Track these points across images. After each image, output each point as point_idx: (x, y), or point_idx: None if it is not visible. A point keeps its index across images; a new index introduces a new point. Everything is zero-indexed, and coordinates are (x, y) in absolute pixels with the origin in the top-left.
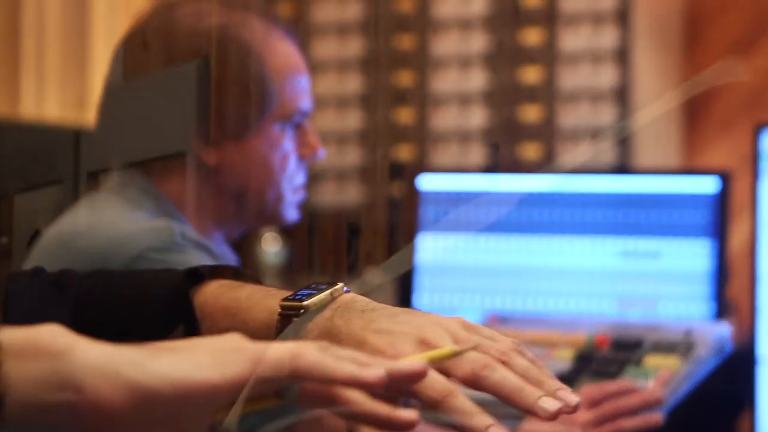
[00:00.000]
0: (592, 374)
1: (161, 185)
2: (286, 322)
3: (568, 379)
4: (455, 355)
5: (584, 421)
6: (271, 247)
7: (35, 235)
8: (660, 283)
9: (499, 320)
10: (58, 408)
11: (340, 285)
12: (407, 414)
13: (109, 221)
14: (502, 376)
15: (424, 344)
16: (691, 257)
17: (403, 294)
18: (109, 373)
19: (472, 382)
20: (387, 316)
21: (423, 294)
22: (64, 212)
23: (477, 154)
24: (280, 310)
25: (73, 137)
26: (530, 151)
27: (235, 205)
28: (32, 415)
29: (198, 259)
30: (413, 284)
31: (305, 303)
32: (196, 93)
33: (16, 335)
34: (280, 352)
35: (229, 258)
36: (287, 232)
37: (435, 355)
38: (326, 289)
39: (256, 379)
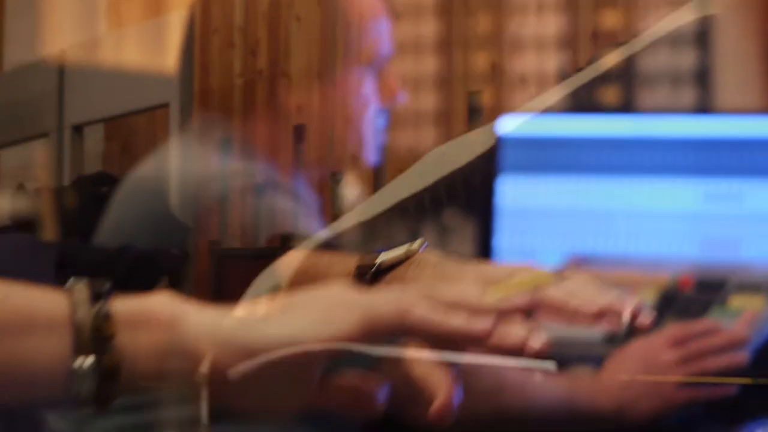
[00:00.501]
0: (675, 315)
1: (243, 129)
2: (361, 280)
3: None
4: (556, 278)
5: (669, 361)
6: (351, 190)
7: (19, 189)
8: (743, 225)
9: (581, 262)
10: (172, 376)
11: (418, 242)
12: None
13: (192, 164)
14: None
15: (487, 283)
16: None
17: (483, 237)
18: (222, 339)
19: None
20: (455, 267)
21: (503, 237)
22: (50, 165)
23: (556, 97)
24: (355, 268)
25: (57, 87)
26: (609, 94)
27: (316, 148)
28: (147, 385)
29: (280, 201)
30: (493, 227)
31: (379, 259)
32: (180, 45)
33: (129, 305)
34: (387, 307)
35: (310, 200)
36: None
37: (537, 279)
38: (404, 247)
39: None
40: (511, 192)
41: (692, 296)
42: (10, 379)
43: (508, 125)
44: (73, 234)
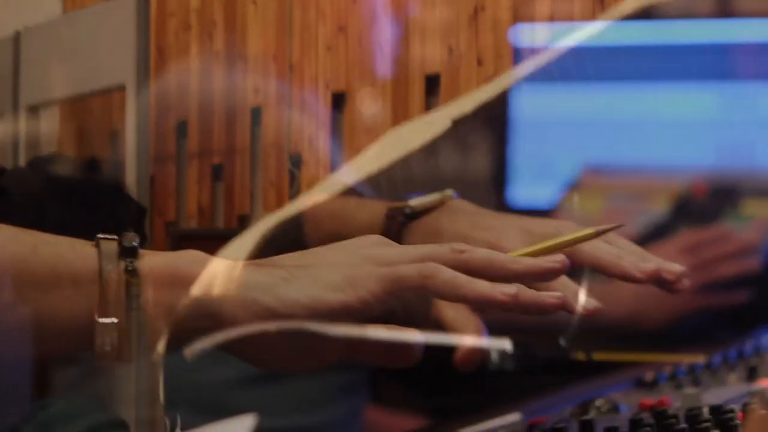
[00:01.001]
0: (688, 222)
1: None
2: (391, 223)
3: (665, 227)
4: (599, 234)
5: None
6: (368, 107)
7: None
8: (757, 131)
9: (594, 171)
10: (196, 335)
11: (449, 191)
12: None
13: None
14: (601, 249)
15: (528, 233)
16: None
17: (498, 148)
18: (245, 300)
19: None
20: (493, 216)
21: (519, 147)
22: (5, 149)
23: (572, 4)
24: (386, 211)
25: (12, 68)
26: (628, 3)
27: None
28: (170, 344)
29: (296, 116)
30: (508, 138)
31: (411, 203)
32: (135, 25)
33: (157, 262)
34: (410, 272)
35: (324, 116)
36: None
37: (578, 236)
38: (437, 194)
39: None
40: (527, 102)
41: (705, 203)
42: (38, 331)
43: (523, 34)
44: (28, 215)
